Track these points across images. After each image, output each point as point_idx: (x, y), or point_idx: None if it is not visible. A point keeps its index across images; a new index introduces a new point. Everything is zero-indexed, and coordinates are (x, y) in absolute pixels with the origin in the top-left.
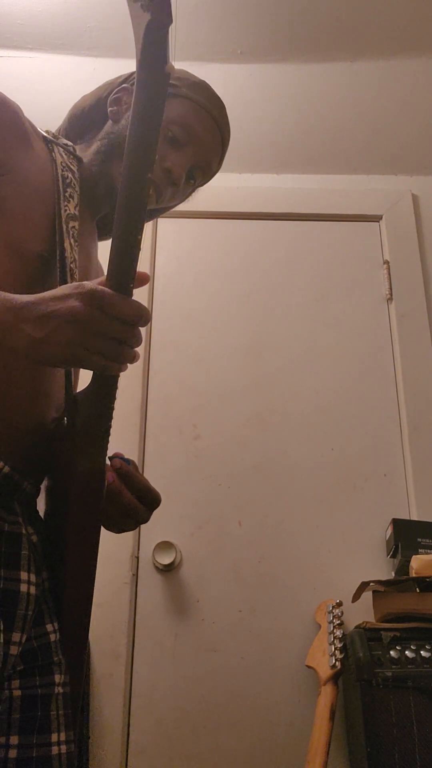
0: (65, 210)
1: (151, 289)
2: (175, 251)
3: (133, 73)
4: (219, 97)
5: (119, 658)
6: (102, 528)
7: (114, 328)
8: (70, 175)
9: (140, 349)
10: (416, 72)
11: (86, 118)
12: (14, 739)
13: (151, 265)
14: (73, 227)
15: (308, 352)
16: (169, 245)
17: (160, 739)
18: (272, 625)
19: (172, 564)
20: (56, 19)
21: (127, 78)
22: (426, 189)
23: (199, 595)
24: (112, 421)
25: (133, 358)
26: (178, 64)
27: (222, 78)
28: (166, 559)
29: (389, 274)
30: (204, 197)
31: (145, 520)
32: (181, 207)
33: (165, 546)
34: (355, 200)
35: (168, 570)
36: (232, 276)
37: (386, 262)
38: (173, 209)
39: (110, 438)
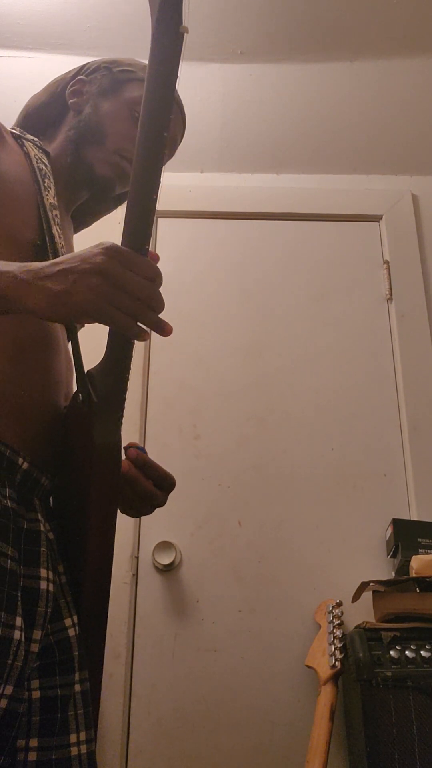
0: (47, 199)
1: None
2: (175, 251)
3: (83, 66)
4: None
5: (119, 658)
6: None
7: (137, 284)
8: (44, 167)
9: (140, 349)
10: (416, 72)
11: (43, 115)
12: (33, 742)
13: None
14: (56, 215)
15: (308, 352)
16: (169, 245)
17: (160, 739)
18: (272, 625)
19: (171, 564)
20: (56, 19)
21: (79, 71)
22: (426, 189)
23: (199, 595)
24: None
25: (158, 324)
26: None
27: (222, 78)
28: (165, 559)
29: (389, 274)
30: (204, 197)
31: (162, 504)
32: (181, 207)
33: (165, 546)
34: (355, 200)
35: (168, 570)
36: (232, 276)
37: (386, 262)
38: (172, 209)
39: None
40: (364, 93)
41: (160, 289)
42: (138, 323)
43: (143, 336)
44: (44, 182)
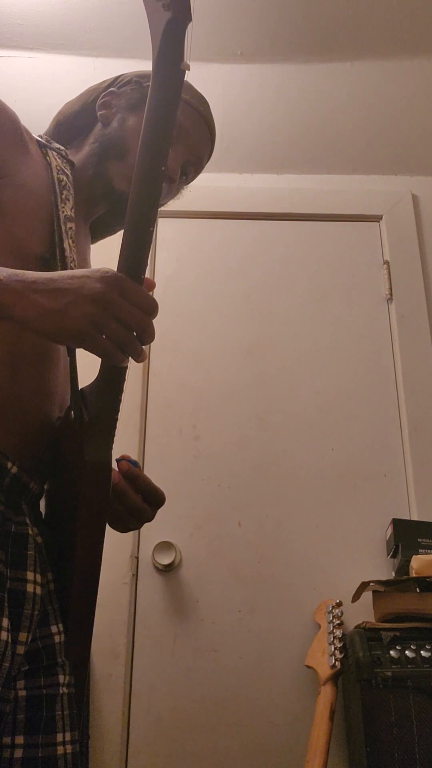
0: (62, 212)
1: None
2: (175, 251)
3: (117, 78)
4: (202, 94)
5: (119, 658)
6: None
7: (132, 315)
8: (64, 178)
9: None
10: (416, 72)
11: (73, 124)
12: (19, 739)
13: (151, 265)
14: (71, 228)
15: (308, 352)
16: (169, 245)
17: (159, 739)
18: (272, 625)
19: (171, 564)
20: (56, 19)
21: (112, 82)
22: (426, 189)
23: (199, 595)
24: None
25: (140, 354)
26: None
27: (222, 78)
28: (165, 559)
29: (389, 274)
30: (204, 197)
31: (150, 519)
32: (181, 207)
33: (165, 546)
34: (355, 200)
35: (168, 570)
36: (232, 276)
37: (386, 263)
38: (172, 209)
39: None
40: (364, 93)
41: (160, 289)
42: (127, 354)
43: (125, 362)
44: (62, 194)
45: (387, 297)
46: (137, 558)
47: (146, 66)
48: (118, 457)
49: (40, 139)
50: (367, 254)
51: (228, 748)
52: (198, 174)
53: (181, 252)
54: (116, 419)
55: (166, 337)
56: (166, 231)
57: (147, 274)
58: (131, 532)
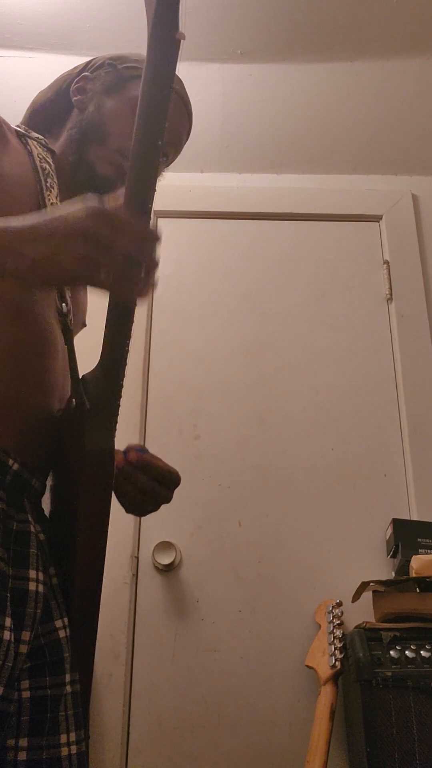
0: (48, 199)
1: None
2: (175, 251)
3: (89, 62)
4: (177, 75)
5: (119, 658)
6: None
7: (125, 243)
8: (47, 166)
9: (140, 349)
10: (416, 72)
11: (49, 112)
12: (23, 742)
13: None
14: None
15: (308, 352)
16: (169, 245)
17: (160, 739)
18: (272, 625)
19: (172, 564)
20: (56, 19)
21: (85, 67)
22: (426, 189)
23: (199, 595)
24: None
25: (148, 283)
26: (179, 64)
27: (222, 78)
28: (166, 559)
29: (389, 274)
30: (204, 197)
31: (168, 500)
32: (181, 207)
33: (165, 546)
34: (355, 200)
35: (168, 570)
36: (232, 276)
37: (386, 262)
38: (172, 209)
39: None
40: (364, 93)
41: (160, 289)
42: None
43: (137, 294)
44: (47, 182)
45: (387, 297)
46: (137, 558)
47: None
48: (125, 447)
49: (18, 129)
50: (367, 254)
51: (228, 748)
52: (178, 154)
53: (180, 252)
54: (118, 405)
55: (165, 336)
56: (165, 231)
57: None
58: (131, 532)
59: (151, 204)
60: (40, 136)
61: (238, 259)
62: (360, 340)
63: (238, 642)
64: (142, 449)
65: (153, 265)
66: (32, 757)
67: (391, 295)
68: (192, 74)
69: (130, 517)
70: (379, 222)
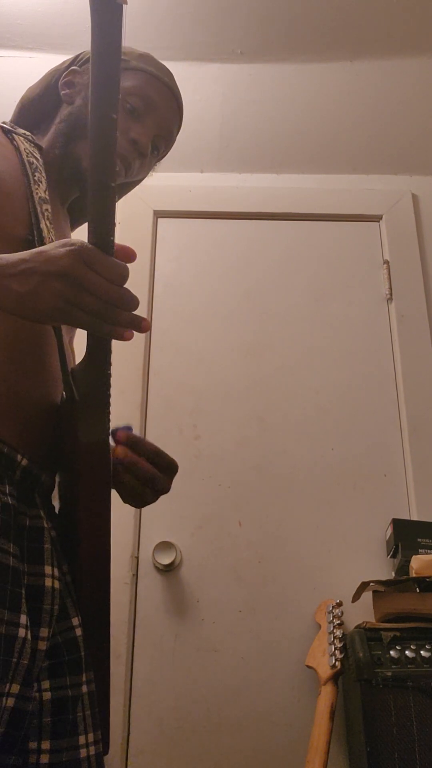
0: (36, 193)
1: (151, 289)
2: (175, 251)
3: (78, 56)
4: (166, 66)
5: (119, 658)
6: (119, 508)
7: (101, 286)
8: (34, 160)
9: (140, 349)
10: (416, 72)
11: (37, 108)
12: (46, 744)
13: (151, 265)
14: (47, 210)
15: (308, 352)
16: (169, 245)
17: (160, 739)
18: (272, 625)
19: (172, 564)
20: (56, 19)
21: (73, 61)
22: (426, 189)
23: (199, 595)
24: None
25: (132, 322)
26: (179, 64)
27: (222, 78)
28: (166, 559)
29: (389, 274)
30: (204, 197)
31: (166, 490)
32: (181, 207)
33: (165, 546)
34: (355, 200)
35: (168, 570)
36: (232, 276)
37: (386, 262)
38: (172, 209)
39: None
40: (364, 93)
41: (160, 289)
42: (110, 323)
43: (119, 335)
44: (34, 176)
45: (387, 297)
46: (137, 558)
47: None
48: (112, 429)
49: (4, 125)
50: (367, 254)
51: (228, 747)
52: (169, 148)
53: (180, 251)
54: (108, 395)
55: (165, 336)
56: (165, 231)
57: (147, 274)
58: (131, 532)
59: (114, 221)
60: (27, 132)
61: (238, 259)
62: (360, 340)
63: (238, 642)
64: (128, 427)
65: (131, 305)
66: (54, 760)
67: (391, 295)
68: (192, 74)
69: (131, 517)
70: (379, 222)
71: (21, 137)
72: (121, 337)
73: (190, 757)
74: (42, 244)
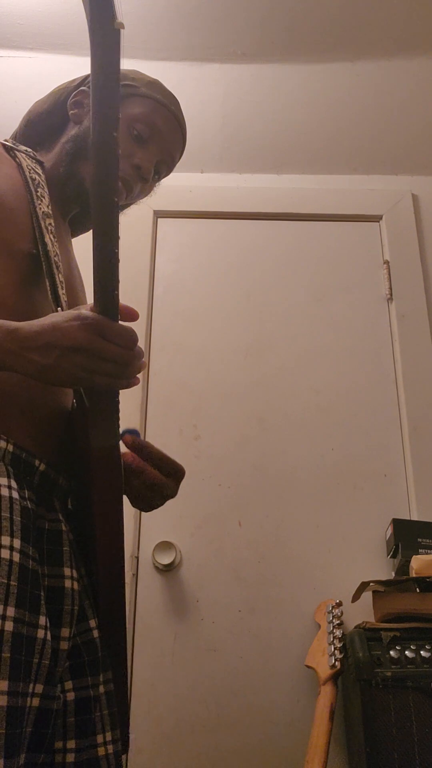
0: (39, 208)
1: (151, 289)
2: (175, 251)
3: (88, 76)
4: (173, 94)
5: None
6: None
7: (117, 353)
8: (37, 176)
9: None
10: (416, 72)
11: (45, 123)
12: (71, 744)
13: (151, 265)
14: (50, 224)
15: (308, 352)
16: (169, 245)
17: (160, 739)
18: (272, 625)
19: (172, 564)
20: (56, 19)
21: (83, 80)
22: (426, 189)
23: (199, 595)
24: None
25: (140, 369)
26: (179, 65)
27: (222, 78)
28: (166, 559)
29: (389, 274)
30: (204, 197)
31: (173, 494)
32: (182, 207)
33: (165, 546)
34: (355, 200)
35: (168, 570)
36: (233, 276)
37: (386, 262)
38: (172, 209)
39: None
40: (364, 93)
41: (160, 289)
42: (126, 379)
43: (134, 384)
44: (37, 192)
45: (387, 297)
46: (137, 558)
47: (147, 66)
48: (120, 431)
49: (6, 142)
50: (367, 254)
51: (228, 748)
52: (170, 172)
53: (181, 252)
54: (117, 402)
55: (166, 336)
56: (166, 231)
57: (147, 274)
58: (131, 532)
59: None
60: (29, 149)
61: (239, 259)
62: (360, 340)
63: (238, 642)
64: (135, 431)
65: (140, 368)
66: (78, 759)
67: (391, 295)
68: (192, 74)
69: (131, 517)
70: (379, 222)
71: (23, 154)
72: (134, 385)
73: (189, 756)
74: (47, 257)
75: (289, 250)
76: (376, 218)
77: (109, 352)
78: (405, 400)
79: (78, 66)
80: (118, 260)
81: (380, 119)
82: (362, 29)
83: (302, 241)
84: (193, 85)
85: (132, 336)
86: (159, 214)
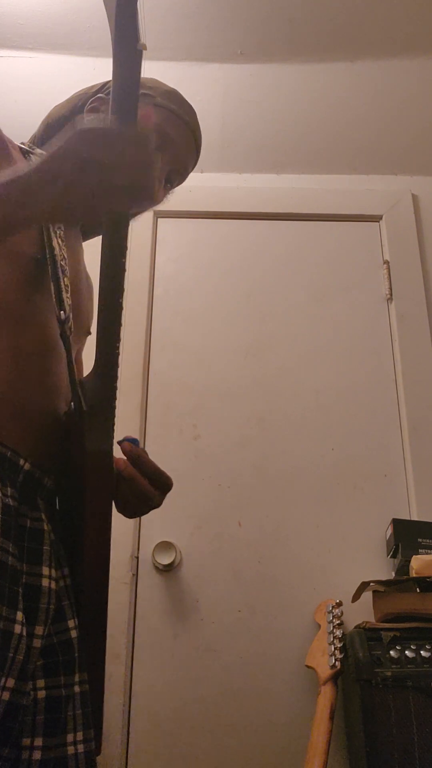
0: None
1: (151, 290)
2: (175, 251)
3: (107, 83)
4: (190, 104)
5: (118, 658)
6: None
7: (125, 155)
8: None
9: (140, 349)
10: (416, 72)
11: (62, 128)
12: (38, 741)
13: (151, 265)
14: (59, 227)
15: (308, 352)
16: (169, 245)
17: (160, 739)
18: (272, 625)
19: (171, 564)
20: (56, 19)
21: (101, 87)
22: (426, 189)
23: (199, 595)
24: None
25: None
26: (179, 65)
27: (222, 78)
28: (165, 559)
29: (389, 274)
30: (204, 197)
31: (158, 505)
32: (182, 207)
33: (165, 546)
34: (355, 200)
35: (168, 570)
36: (232, 276)
37: (386, 262)
38: (172, 209)
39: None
40: (364, 93)
41: (160, 289)
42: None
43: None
44: None
45: (387, 297)
46: (137, 558)
47: (147, 66)
48: (120, 439)
49: (22, 146)
50: (367, 254)
51: (228, 748)
52: (182, 181)
53: (181, 252)
54: (114, 407)
55: (166, 336)
56: (166, 231)
57: (147, 274)
58: (131, 532)
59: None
60: (43, 152)
61: (239, 259)
62: (360, 340)
63: (238, 642)
64: (134, 440)
65: (156, 166)
66: (45, 757)
67: (391, 295)
68: (192, 74)
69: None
70: (379, 222)
71: (38, 157)
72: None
73: (189, 756)
74: (54, 260)
75: (289, 250)
76: (376, 218)
77: (120, 157)
78: (405, 400)
79: (78, 66)
80: (125, 259)
81: (380, 119)
82: (362, 29)
83: (302, 241)
84: (193, 84)
85: (139, 133)
86: (159, 214)
